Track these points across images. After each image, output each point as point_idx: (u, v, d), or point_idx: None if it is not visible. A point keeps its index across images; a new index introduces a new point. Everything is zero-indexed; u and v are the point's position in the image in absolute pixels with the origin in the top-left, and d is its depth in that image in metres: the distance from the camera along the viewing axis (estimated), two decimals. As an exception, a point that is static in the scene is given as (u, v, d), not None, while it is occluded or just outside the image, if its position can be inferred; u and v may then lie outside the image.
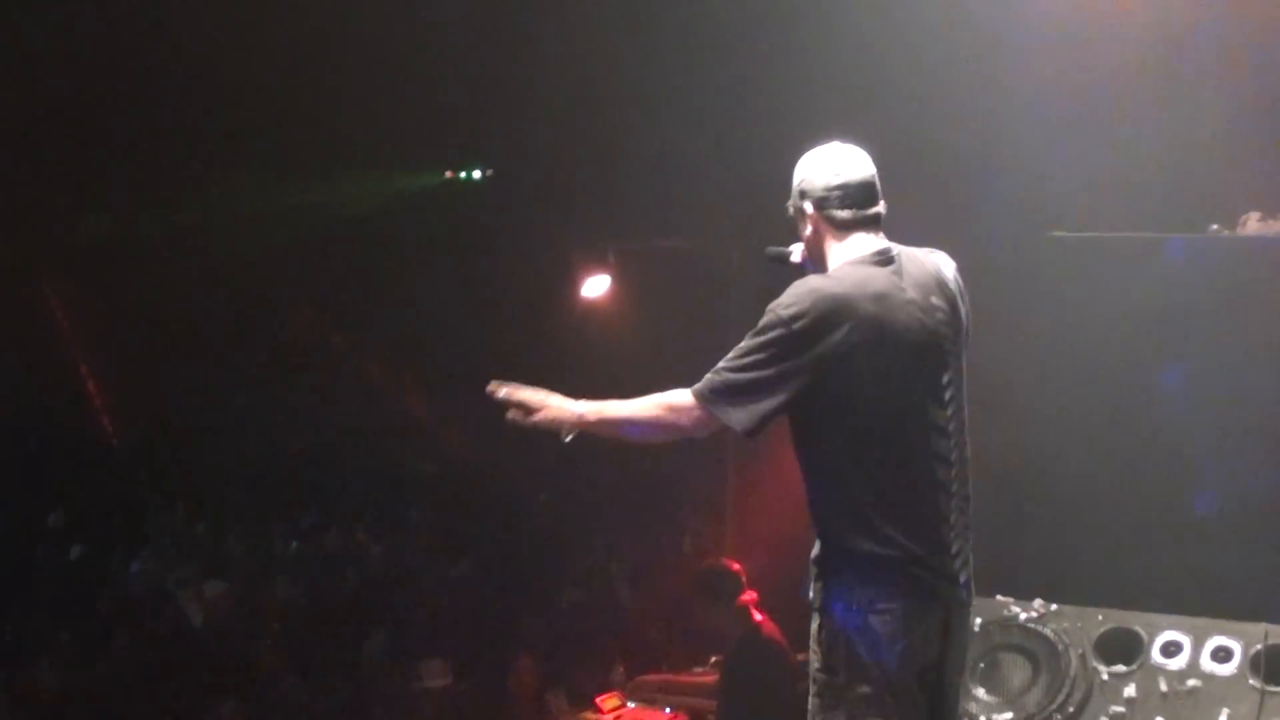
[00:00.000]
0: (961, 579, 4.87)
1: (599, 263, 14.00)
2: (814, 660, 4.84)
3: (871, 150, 4.98)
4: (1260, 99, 8.48)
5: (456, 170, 18.74)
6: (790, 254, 5.20)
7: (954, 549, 4.83)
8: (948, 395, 4.84)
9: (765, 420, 4.69)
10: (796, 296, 4.68)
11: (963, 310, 4.96)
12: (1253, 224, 8.05)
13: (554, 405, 4.95)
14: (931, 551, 4.77)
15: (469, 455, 17.87)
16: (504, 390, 5.01)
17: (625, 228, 14.02)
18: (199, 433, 19.75)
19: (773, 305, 4.70)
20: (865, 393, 4.67)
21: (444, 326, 17.98)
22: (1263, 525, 7.46)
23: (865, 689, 4.72)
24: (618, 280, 14.03)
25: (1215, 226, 8.09)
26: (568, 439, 4.98)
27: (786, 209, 5.08)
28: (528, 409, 4.97)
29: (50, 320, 20.78)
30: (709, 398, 4.71)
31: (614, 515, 15.06)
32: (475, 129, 16.62)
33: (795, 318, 4.63)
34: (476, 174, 18.73)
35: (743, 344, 4.71)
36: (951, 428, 4.84)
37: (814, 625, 4.85)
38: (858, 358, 4.64)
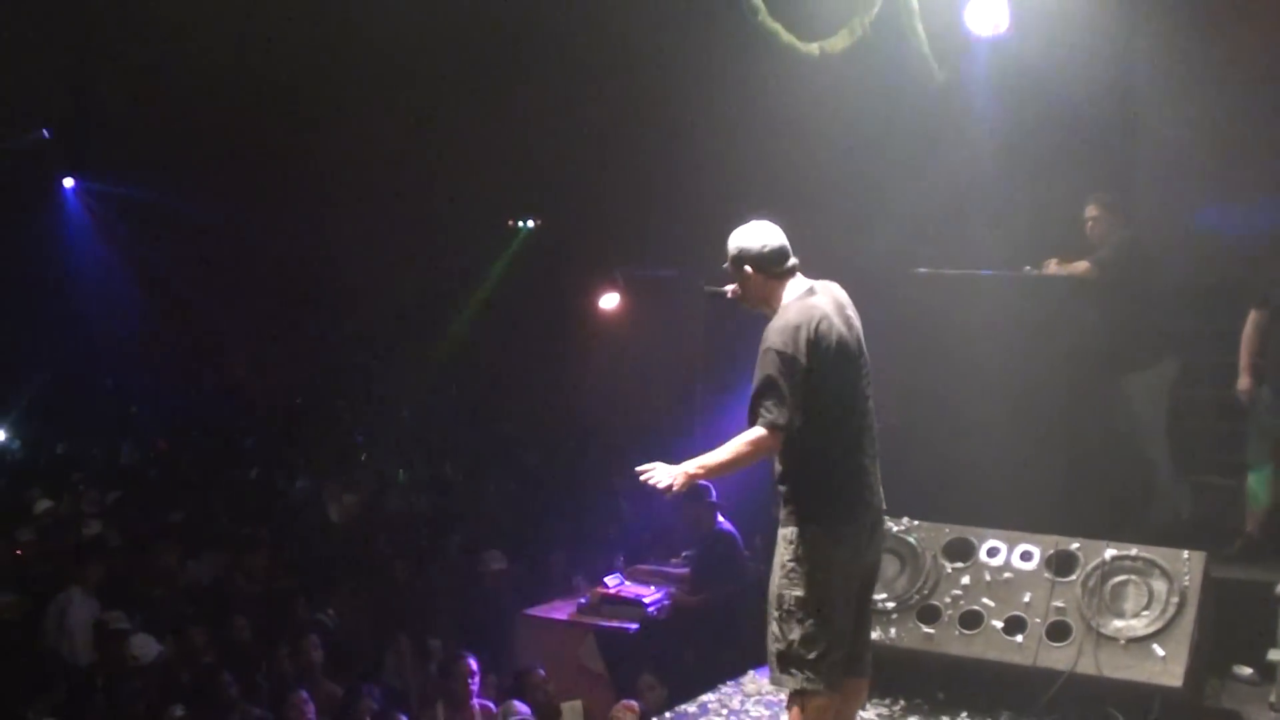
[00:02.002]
0: (878, 503, 5.02)
1: (611, 284, 14.07)
2: (784, 553, 4.86)
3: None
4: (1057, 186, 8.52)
5: (516, 219, 18.75)
6: (725, 292, 5.15)
7: (874, 482, 4.98)
8: (866, 377, 5.00)
9: (795, 413, 4.71)
10: (780, 333, 4.80)
11: (858, 320, 5.07)
12: (1052, 267, 8.04)
13: (663, 468, 4.81)
14: (862, 485, 4.91)
15: (522, 421, 17.86)
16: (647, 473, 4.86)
17: (630, 260, 14.05)
18: (347, 405, 19.68)
19: (767, 346, 4.79)
20: (825, 383, 4.80)
21: (510, 332, 17.88)
22: (1058, 472, 7.49)
23: (819, 575, 4.80)
24: (623, 296, 14.12)
25: (1028, 267, 8.09)
26: (679, 488, 4.79)
27: (725, 266, 5.11)
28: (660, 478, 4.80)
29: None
30: (766, 421, 4.72)
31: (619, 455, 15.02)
32: (531, 190, 16.62)
33: (784, 347, 4.75)
34: (530, 223, 18.76)
35: (760, 379, 4.77)
36: (869, 400, 5.01)
37: (785, 529, 4.89)
38: (816, 360, 4.77)
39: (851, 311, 5.06)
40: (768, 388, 4.74)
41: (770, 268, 5.00)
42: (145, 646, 8.66)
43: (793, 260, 5.03)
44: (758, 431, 4.73)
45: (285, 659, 9.00)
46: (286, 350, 19.78)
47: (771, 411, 4.71)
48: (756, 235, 5.04)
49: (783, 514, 4.90)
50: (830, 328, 4.87)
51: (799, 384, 4.73)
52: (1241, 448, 7.74)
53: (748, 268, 5.02)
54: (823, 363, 4.79)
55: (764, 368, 4.77)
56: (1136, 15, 8.42)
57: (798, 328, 4.80)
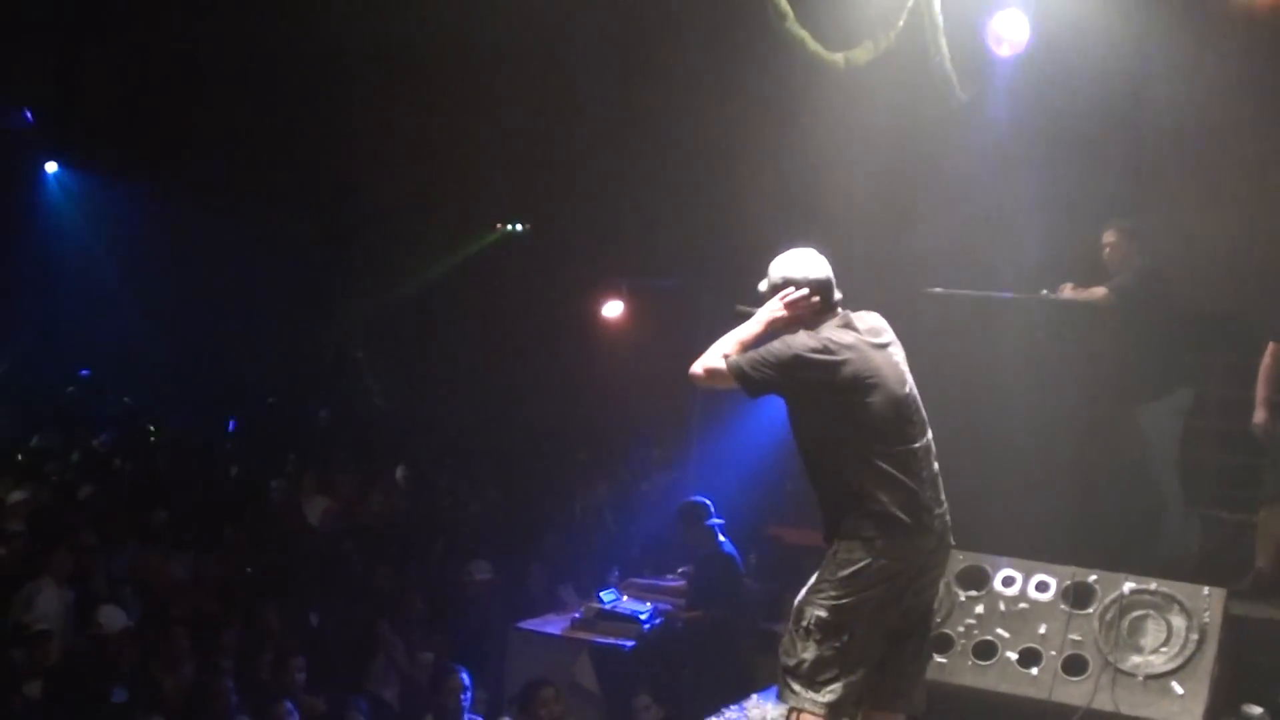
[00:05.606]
0: (940, 527, 4.81)
1: (612, 293, 13.95)
2: (823, 570, 4.72)
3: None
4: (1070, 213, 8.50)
5: (505, 224, 18.60)
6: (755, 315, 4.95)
7: (932, 505, 4.77)
8: (911, 402, 4.83)
9: (764, 390, 4.70)
10: (799, 337, 4.73)
11: (898, 347, 4.93)
12: (1068, 291, 8.01)
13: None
14: (915, 508, 4.69)
15: (511, 430, 17.70)
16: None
17: (632, 269, 13.93)
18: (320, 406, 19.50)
19: (790, 340, 4.72)
20: (865, 400, 4.66)
21: (502, 341, 17.72)
22: (1069, 499, 7.43)
23: (847, 600, 4.63)
24: (624, 305, 13.99)
25: (1044, 291, 8.04)
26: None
27: (763, 289, 4.94)
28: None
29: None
30: (734, 367, 4.69)
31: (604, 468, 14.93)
32: (521, 194, 16.49)
33: (799, 345, 4.69)
34: (519, 227, 18.62)
35: (765, 349, 4.70)
36: (916, 419, 4.82)
37: (831, 547, 4.75)
38: (846, 381, 4.65)
39: (890, 338, 4.91)
40: (761, 354, 4.69)
41: (811, 298, 4.83)
42: (112, 616, 8.53)
43: (837, 295, 4.89)
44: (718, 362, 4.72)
45: (266, 669, 8.83)
46: (272, 346, 19.57)
47: (744, 365, 4.67)
48: (806, 263, 4.89)
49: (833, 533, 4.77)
50: (862, 356, 4.72)
51: (783, 375, 4.65)
52: (1250, 482, 7.71)
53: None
54: (856, 385, 4.65)
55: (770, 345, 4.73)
56: (1155, 36, 8.37)
57: (825, 345, 4.69)
